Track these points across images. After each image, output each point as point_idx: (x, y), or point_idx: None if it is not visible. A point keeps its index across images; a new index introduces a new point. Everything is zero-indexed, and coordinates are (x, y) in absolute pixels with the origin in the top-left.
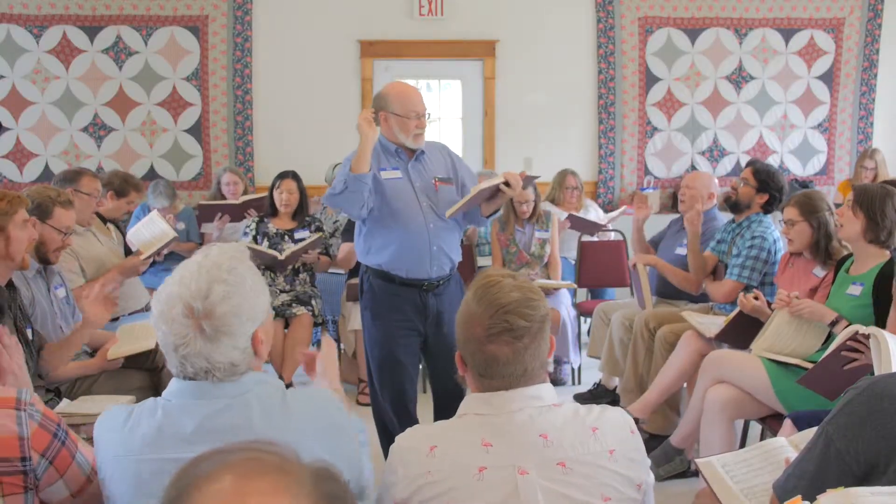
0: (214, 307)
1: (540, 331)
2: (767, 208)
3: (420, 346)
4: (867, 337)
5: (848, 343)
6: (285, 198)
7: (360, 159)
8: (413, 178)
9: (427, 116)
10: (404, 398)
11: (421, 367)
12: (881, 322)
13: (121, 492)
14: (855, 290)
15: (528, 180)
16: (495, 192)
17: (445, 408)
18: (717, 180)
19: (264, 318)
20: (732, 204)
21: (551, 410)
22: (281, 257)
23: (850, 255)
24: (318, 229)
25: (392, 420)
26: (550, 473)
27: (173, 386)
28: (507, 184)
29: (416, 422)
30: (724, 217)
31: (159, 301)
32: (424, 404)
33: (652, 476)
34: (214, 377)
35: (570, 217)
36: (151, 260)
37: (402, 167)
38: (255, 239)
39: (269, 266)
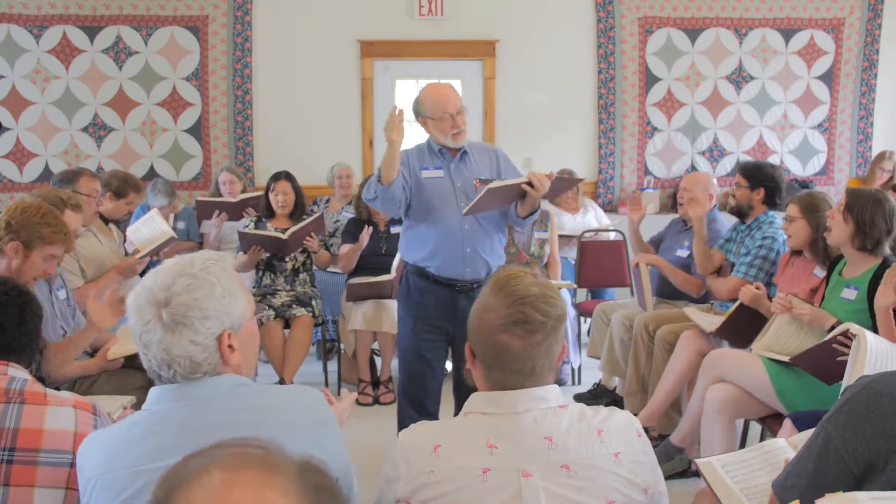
0: (175, 296)
1: (554, 330)
2: (770, 202)
3: (447, 346)
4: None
5: (839, 338)
6: (281, 199)
7: (387, 167)
8: (455, 177)
9: (464, 112)
10: (423, 393)
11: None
12: (877, 328)
13: None
14: (849, 294)
15: (567, 183)
16: (518, 192)
17: None
18: (715, 180)
19: (237, 323)
20: (736, 211)
21: (557, 412)
22: (284, 236)
23: (843, 255)
24: None
25: (411, 414)
26: (554, 476)
27: (152, 395)
28: (530, 184)
29: (433, 418)
30: (725, 217)
31: (133, 290)
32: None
33: (663, 485)
34: (176, 372)
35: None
36: (149, 259)
37: (444, 167)
38: None
39: (269, 266)
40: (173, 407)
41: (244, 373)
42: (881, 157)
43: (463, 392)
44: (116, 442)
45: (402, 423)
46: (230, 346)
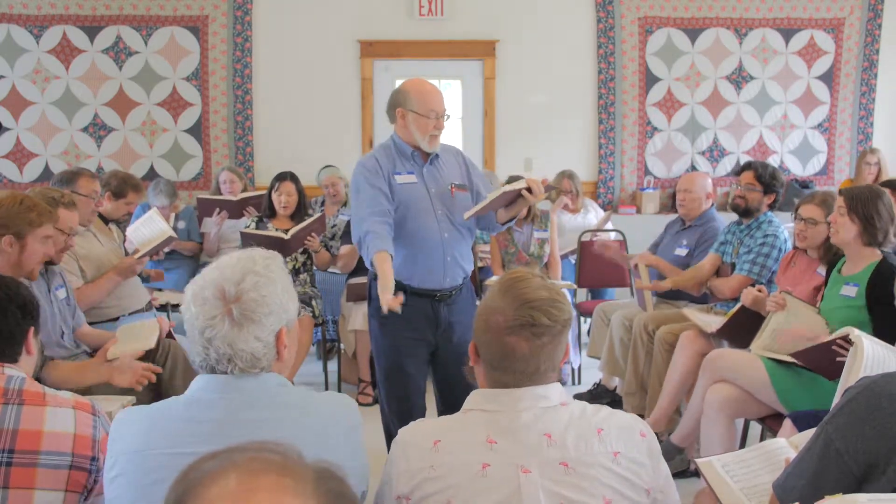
0: (245, 292)
1: (560, 333)
2: (773, 204)
3: (429, 356)
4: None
5: (838, 341)
6: (284, 200)
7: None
8: (428, 183)
9: (446, 118)
10: (410, 408)
11: None
12: (876, 323)
13: (133, 489)
14: (850, 290)
15: (548, 189)
16: (515, 197)
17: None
18: (710, 180)
19: (291, 320)
20: (744, 212)
21: (557, 409)
22: (286, 237)
23: (842, 255)
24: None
25: (397, 429)
26: (552, 473)
27: (197, 383)
28: (529, 190)
29: None
30: (722, 217)
31: (194, 283)
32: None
33: (672, 490)
34: (236, 366)
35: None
36: (147, 259)
37: (417, 171)
38: None
39: None
40: (219, 398)
41: (286, 371)
42: (864, 154)
43: (444, 401)
44: (156, 419)
45: (389, 433)
46: (285, 344)
